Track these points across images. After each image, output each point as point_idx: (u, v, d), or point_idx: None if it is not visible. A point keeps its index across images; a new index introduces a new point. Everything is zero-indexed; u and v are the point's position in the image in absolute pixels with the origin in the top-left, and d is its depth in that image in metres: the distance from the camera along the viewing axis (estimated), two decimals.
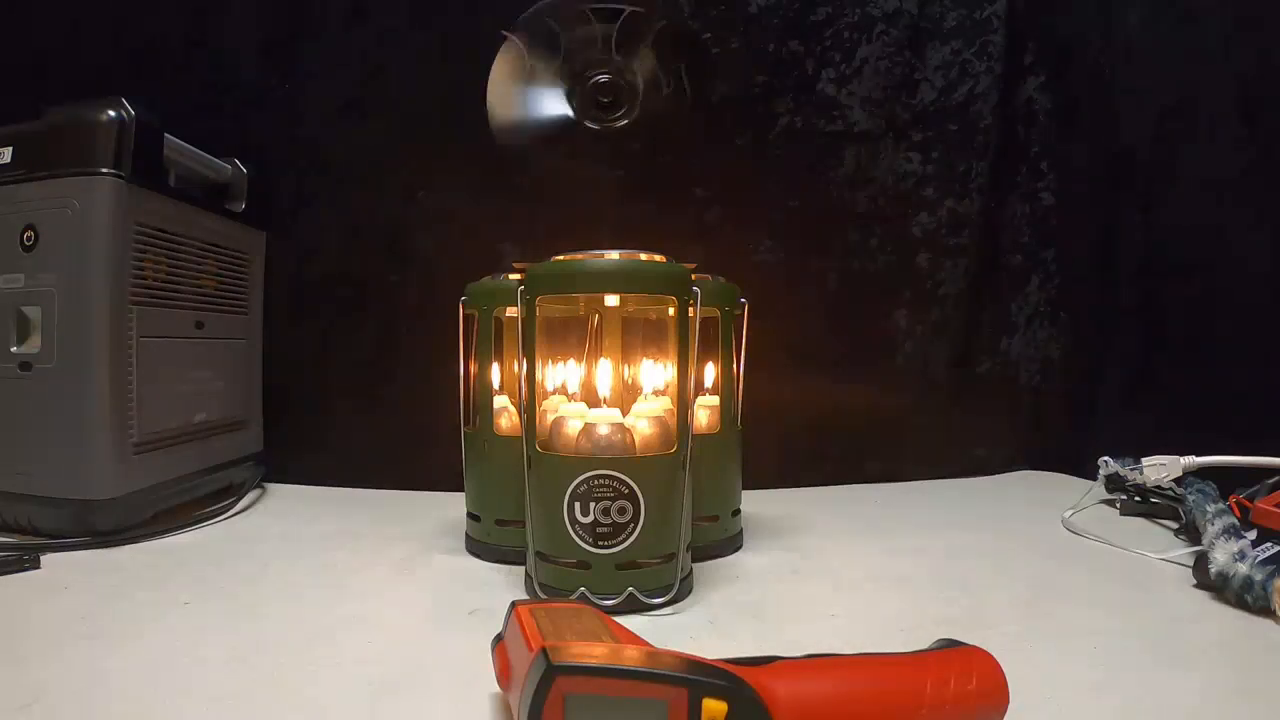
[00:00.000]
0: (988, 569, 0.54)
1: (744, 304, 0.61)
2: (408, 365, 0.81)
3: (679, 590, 0.47)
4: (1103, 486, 0.72)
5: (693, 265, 0.49)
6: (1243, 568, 0.45)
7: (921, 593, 0.49)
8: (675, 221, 0.81)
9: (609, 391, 0.52)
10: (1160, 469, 0.67)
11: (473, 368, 0.59)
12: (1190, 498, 0.59)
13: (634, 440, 0.48)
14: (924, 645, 0.32)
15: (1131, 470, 0.69)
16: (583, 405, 0.52)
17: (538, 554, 0.47)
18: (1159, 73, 0.81)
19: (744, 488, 0.62)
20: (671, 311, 0.48)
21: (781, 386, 0.78)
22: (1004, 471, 0.90)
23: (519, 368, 0.48)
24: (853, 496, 0.81)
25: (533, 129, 0.69)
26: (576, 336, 0.56)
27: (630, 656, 0.27)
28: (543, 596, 0.46)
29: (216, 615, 0.44)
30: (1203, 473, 0.65)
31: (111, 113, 0.58)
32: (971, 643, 0.31)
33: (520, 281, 0.48)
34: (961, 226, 0.87)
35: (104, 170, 0.57)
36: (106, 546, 0.57)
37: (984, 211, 0.87)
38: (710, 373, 0.60)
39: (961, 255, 0.87)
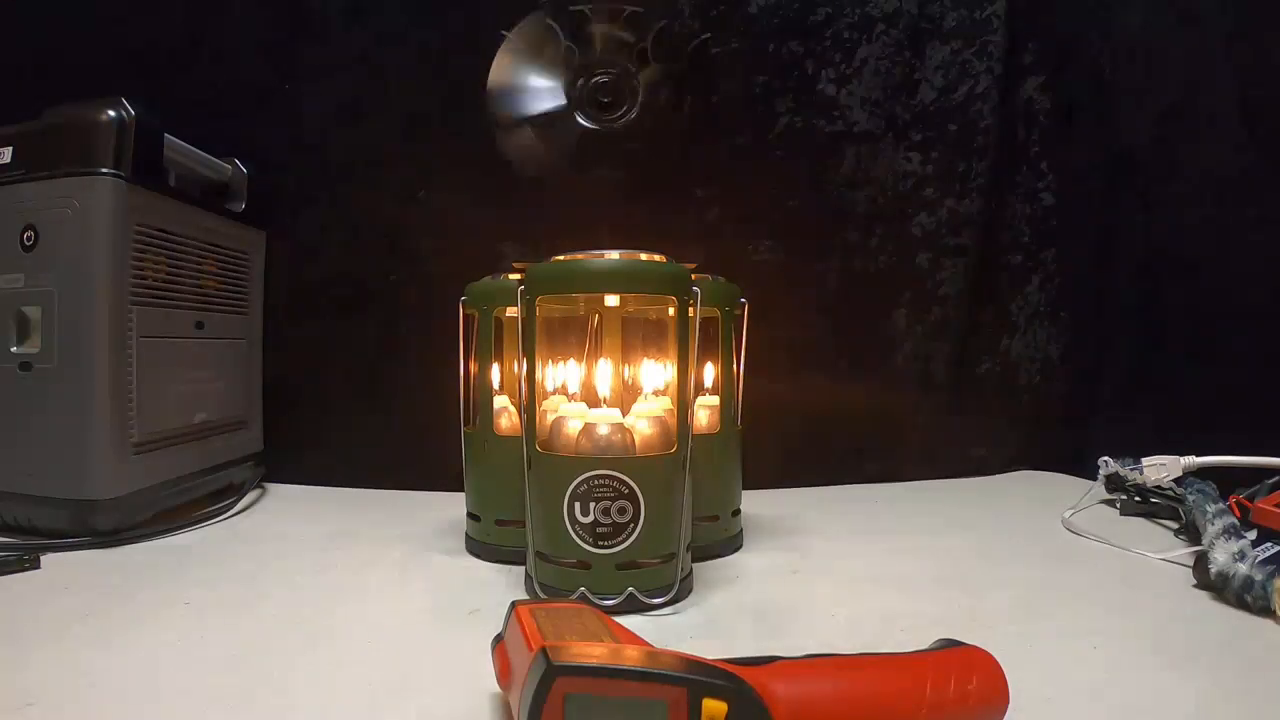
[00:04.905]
0: (988, 569, 0.54)
1: (744, 304, 0.61)
2: (408, 365, 0.81)
3: (679, 590, 0.47)
4: (1103, 486, 0.72)
5: (693, 265, 0.49)
6: (1243, 568, 0.45)
7: (921, 593, 0.49)
8: (675, 221, 0.81)
9: (609, 391, 0.51)
10: (1160, 469, 0.67)
11: (473, 368, 0.59)
12: (1190, 498, 0.59)
13: (634, 440, 0.48)
14: (924, 645, 0.32)
15: (1131, 470, 0.69)
16: (583, 405, 0.52)
17: (538, 554, 0.47)
18: (1159, 73, 0.81)
19: (744, 488, 0.62)
20: (671, 311, 0.48)
21: (781, 386, 0.78)
22: (1004, 471, 0.90)
23: (519, 368, 0.48)
24: (853, 496, 0.81)
25: (533, 130, 0.69)
26: (576, 336, 0.56)
27: (630, 656, 0.27)
28: (543, 596, 0.46)
29: (217, 615, 0.44)
30: (1203, 473, 0.65)
31: (111, 113, 0.58)
32: (971, 643, 0.31)
33: (520, 281, 0.48)
34: (961, 226, 0.87)
35: (104, 170, 0.57)
36: (106, 546, 0.57)
37: (984, 211, 0.87)
38: (710, 373, 0.60)
39: (961, 255, 0.87)
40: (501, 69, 0.69)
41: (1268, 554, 0.45)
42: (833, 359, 0.86)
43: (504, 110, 0.69)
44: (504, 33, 0.68)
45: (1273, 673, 0.37)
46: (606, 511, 0.45)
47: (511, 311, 0.55)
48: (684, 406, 0.47)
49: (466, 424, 0.59)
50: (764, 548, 0.60)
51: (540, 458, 0.47)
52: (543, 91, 0.69)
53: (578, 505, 0.45)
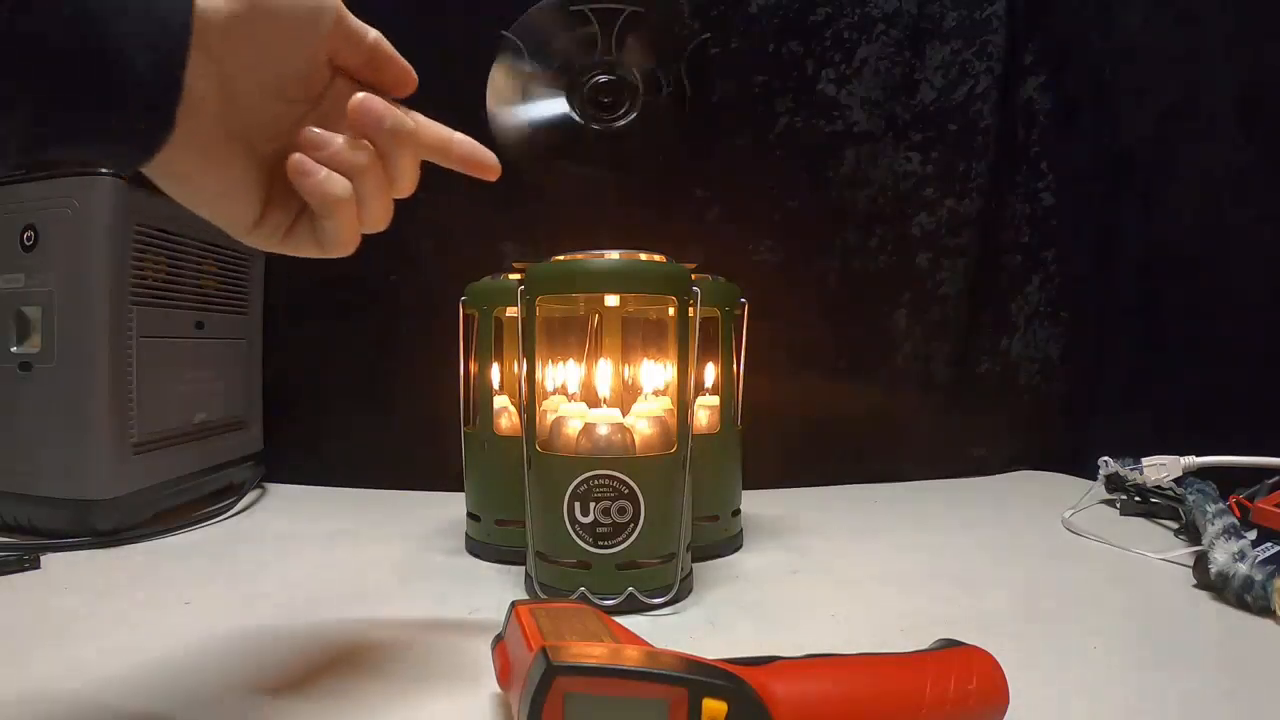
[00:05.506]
0: (988, 569, 0.54)
1: (744, 304, 0.61)
2: (408, 365, 0.81)
3: (679, 590, 0.47)
4: (1103, 486, 0.72)
5: (693, 265, 0.49)
6: (1243, 568, 0.45)
7: (921, 593, 0.49)
8: (675, 221, 0.81)
9: (609, 391, 0.51)
10: (1160, 469, 0.67)
11: (473, 368, 0.59)
12: (1190, 498, 0.59)
13: (634, 440, 0.48)
14: (924, 645, 0.32)
15: (1131, 470, 0.69)
16: (583, 405, 0.52)
17: (538, 554, 0.47)
18: (1159, 73, 0.81)
19: (744, 488, 0.62)
20: (671, 311, 0.48)
21: (781, 386, 0.78)
22: (1004, 471, 0.90)
23: (519, 368, 0.48)
24: (853, 496, 0.81)
25: (533, 130, 0.69)
26: (576, 336, 0.56)
27: (630, 656, 0.27)
28: (543, 596, 0.46)
29: (217, 615, 0.44)
30: (1203, 473, 0.65)
31: None
32: (971, 643, 0.31)
33: (520, 281, 0.48)
34: (961, 226, 0.87)
35: (104, 170, 0.57)
36: (106, 546, 0.57)
37: (984, 211, 0.87)
38: (710, 373, 0.60)
39: (961, 255, 0.87)
40: (500, 70, 0.69)
41: (1268, 554, 0.45)
42: (833, 359, 0.86)
43: (504, 111, 0.69)
44: (504, 32, 0.68)
45: (1273, 673, 0.37)
46: (606, 511, 0.45)
47: (511, 311, 0.55)
48: (684, 406, 0.47)
49: (466, 424, 0.59)
50: (764, 548, 0.60)
51: (540, 458, 0.47)
52: (542, 92, 0.69)
53: (578, 505, 0.45)
